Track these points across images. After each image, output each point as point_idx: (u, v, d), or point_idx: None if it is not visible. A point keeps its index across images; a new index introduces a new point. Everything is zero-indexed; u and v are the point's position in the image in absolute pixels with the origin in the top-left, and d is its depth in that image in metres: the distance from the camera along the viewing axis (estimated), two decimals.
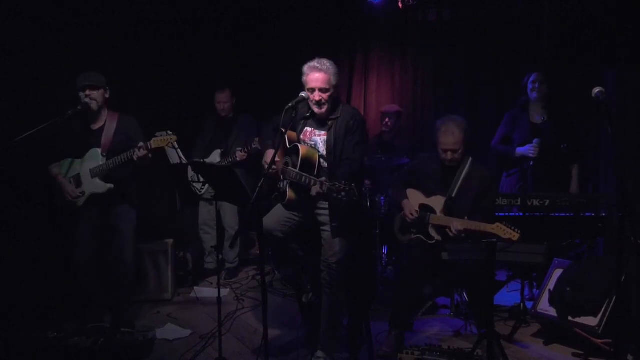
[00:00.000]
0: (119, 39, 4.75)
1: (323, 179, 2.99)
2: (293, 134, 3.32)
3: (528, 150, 4.24)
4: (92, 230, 3.68)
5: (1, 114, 3.96)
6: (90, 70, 3.63)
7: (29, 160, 3.86)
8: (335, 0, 5.81)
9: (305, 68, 3.20)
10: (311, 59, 3.24)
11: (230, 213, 4.96)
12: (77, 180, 3.65)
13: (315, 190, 2.98)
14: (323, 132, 3.24)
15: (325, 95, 3.15)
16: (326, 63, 3.17)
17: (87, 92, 3.56)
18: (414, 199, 3.67)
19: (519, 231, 3.19)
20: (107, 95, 3.66)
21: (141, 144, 3.51)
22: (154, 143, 3.52)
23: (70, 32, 4.36)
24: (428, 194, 3.66)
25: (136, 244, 3.86)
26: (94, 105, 3.58)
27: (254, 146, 4.62)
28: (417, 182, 3.74)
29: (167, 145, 3.62)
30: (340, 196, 2.82)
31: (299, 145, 3.21)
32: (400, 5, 5.48)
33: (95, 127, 3.67)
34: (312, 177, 3.05)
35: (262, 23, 5.75)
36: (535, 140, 4.22)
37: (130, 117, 3.75)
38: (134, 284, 4.03)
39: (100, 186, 3.61)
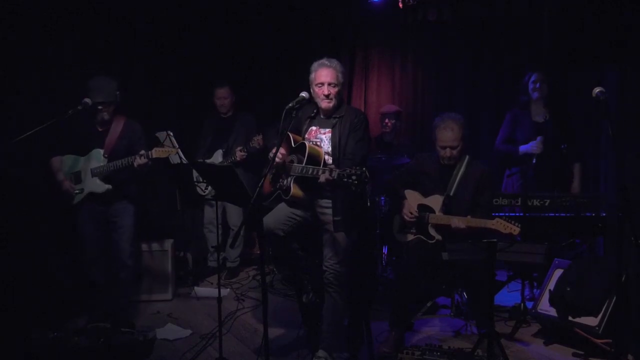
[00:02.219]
0: (118, 38, 4.75)
1: (332, 166, 3.01)
2: (298, 137, 3.35)
3: (532, 147, 4.24)
4: (97, 225, 3.76)
5: (3, 113, 3.97)
6: (96, 70, 3.65)
7: (30, 158, 3.87)
8: (336, 0, 5.81)
9: (315, 65, 3.28)
10: (312, 59, 3.29)
11: (235, 212, 4.97)
12: (77, 177, 3.73)
13: (324, 177, 2.98)
14: (328, 130, 3.28)
15: (333, 90, 3.22)
16: (334, 61, 3.27)
17: (100, 107, 3.62)
18: (412, 200, 3.67)
19: (519, 225, 3.19)
20: (117, 100, 3.70)
21: (142, 152, 3.60)
22: (154, 153, 3.61)
23: (70, 32, 4.36)
24: (426, 193, 3.66)
25: (136, 240, 3.92)
26: (105, 117, 3.66)
27: (252, 145, 4.62)
28: (415, 181, 3.74)
29: (167, 156, 3.72)
30: (350, 180, 2.81)
31: (305, 142, 3.24)
32: (401, 5, 5.48)
33: (101, 128, 3.74)
34: (319, 168, 3.07)
35: (262, 23, 5.74)
36: (538, 138, 4.22)
37: (135, 123, 3.82)
38: (133, 280, 4.07)
39: (99, 186, 3.69)
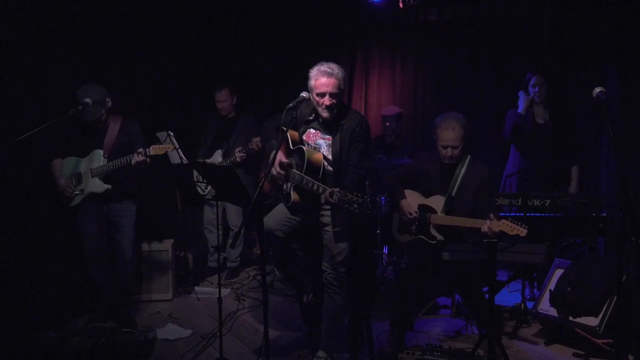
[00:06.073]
0: (119, 38, 4.75)
1: (337, 189, 2.92)
2: (295, 134, 3.30)
3: (523, 102, 4.34)
4: (98, 225, 3.79)
5: (3, 114, 3.97)
6: (87, 74, 3.66)
7: (30, 158, 3.88)
8: (336, 1, 5.81)
9: (314, 72, 3.14)
10: (312, 59, 3.23)
11: (234, 212, 4.97)
12: (78, 178, 3.76)
13: (324, 198, 2.95)
14: (328, 137, 3.21)
15: (335, 100, 3.11)
16: (335, 67, 3.12)
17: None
18: (412, 200, 3.65)
19: (526, 227, 3.14)
20: (109, 105, 3.70)
21: (140, 149, 3.61)
22: (152, 150, 3.62)
23: (70, 31, 4.36)
24: (426, 194, 3.64)
25: (136, 239, 3.95)
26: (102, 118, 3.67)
27: (251, 147, 4.62)
28: (416, 181, 3.72)
29: (164, 153, 3.74)
30: (352, 207, 2.78)
31: (303, 147, 3.18)
32: (401, 5, 5.48)
33: (99, 129, 3.74)
34: (320, 184, 3.02)
35: (262, 23, 5.75)
36: (520, 93, 4.37)
37: (132, 122, 3.84)
38: (134, 279, 4.11)
39: (99, 186, 3.72)
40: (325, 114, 3.15)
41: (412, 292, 3.57)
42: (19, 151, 3.43)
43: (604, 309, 3.44)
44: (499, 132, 4.64)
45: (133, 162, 3.59)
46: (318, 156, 3.17)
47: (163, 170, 4.73)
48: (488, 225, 3.23)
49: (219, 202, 3.95)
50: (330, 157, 3.19)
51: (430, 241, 3.54)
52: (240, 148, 4.70)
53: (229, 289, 4.72)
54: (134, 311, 4.16)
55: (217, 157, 4.89)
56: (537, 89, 4.31)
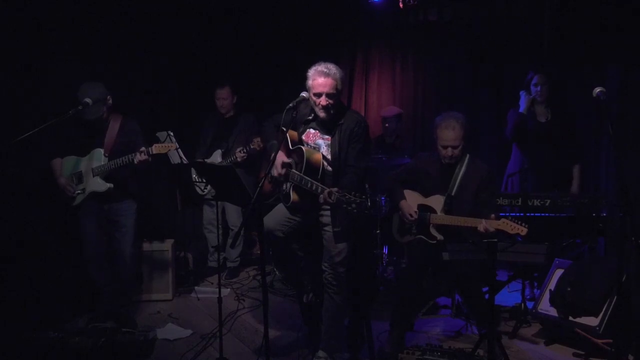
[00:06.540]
0: (119, 38, 4.75)
1: (335, 189, 2.92)
2: (294, 134, 3.30)
3: (524, 101, 4.34)
4: (98, 225, 3.80)
5: (3, 114, 3.97)
6: (88, 72, 3.66)
7: (31, 158, 3.88)
8: (336, 1, 5.81)
9: (311, 72, 3.13)
10: (312, 59, 3.22)
11: (234, 212, 4.97)
12: (79, 178, 3.76)
13: (323, 198, 2.96)
14: (327, 137, 3.21)
15: (332, 101, 3.10)
16: (332, 68, 3.11)
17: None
18: (412, 200, 3.65)
19: (527, 225, 3.15)
20: (109, 102, 3.70)
21: (143, 148, 3.60)
22: (154, 149, 3.62)
23: (70, 31, 4.36)
24: (426, 194, 3.64)
25: (136, 239, 3.95)
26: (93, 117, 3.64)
27: (252, 146, 4.61)
28: (415, 181, 3.72)
29: (167, 152, 3.72)
30: (350, 207, 2.79)
31: (302, 147, 3.18)
32: (401, 5, 5.48)
33: (99, 128, 3.74)
34: (319, 184, 3.03)
35: (263, 24, 5.74)
36: (521, 93, 4.35)
37: (132, 120, 3.84)
38: (134, 279, 4.11)
39: (100, 185, 3.71)
40: (322, 114, 3.15)
41: (412, 292, 3.57)
42: (19, 151, 3.41)
43: (604, 309, 3.44)
44: (500, 132, 4.63)
45: (136, 161, 3.59)
46: (317, 156, 3.17)
47: (164, 169, 4.74)
48: (484, 224, 3.24)
49: (219, 202, 3.95)
50: (329, 157, 3.19)
51: (430, 241, 3.54)
52: (241, 148, 4.70)
53: (229, 289, 4.72)
54: (134, 311, 4.17)
55: (216, 157, 4.88)
56: (538, 87, 4.31)
